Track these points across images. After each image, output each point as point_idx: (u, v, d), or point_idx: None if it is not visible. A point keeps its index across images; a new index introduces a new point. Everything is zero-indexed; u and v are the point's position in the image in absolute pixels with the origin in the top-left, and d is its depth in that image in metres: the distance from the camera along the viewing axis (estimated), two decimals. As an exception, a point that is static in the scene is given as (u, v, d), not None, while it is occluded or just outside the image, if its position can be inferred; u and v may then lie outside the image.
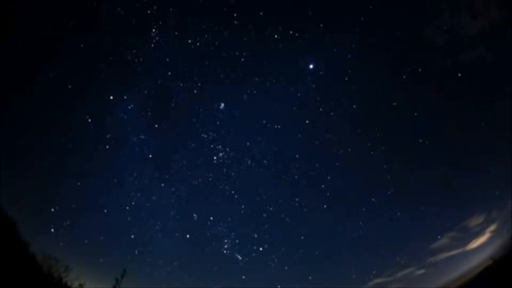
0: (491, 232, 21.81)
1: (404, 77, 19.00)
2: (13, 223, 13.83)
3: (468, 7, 17.66)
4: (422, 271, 23.62)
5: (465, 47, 18.69)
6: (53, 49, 17.10)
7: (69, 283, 14.35)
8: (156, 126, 19.93)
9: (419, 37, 18.73)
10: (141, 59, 17.87)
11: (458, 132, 20.99)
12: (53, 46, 17.00)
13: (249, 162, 20.78)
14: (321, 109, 19.49)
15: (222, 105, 19.47)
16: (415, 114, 20.09)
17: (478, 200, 22.08)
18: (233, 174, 20.92)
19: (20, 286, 10.82)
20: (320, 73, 18.84)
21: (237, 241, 21.74)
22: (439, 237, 22.79)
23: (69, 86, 17.79)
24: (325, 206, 21.97)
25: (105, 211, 20.51)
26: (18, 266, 11.75)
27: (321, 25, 17.22)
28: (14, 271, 11.25)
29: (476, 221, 22.27)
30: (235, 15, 16.67)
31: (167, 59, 18.10)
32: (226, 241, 21.73)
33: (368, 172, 22.06)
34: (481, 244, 22.55)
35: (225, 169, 20.75)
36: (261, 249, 21.85)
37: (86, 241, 20.24)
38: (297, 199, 22.04)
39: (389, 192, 21.65)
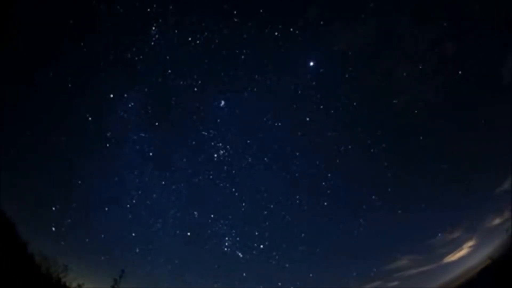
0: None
1: (404, 74, 19.11)
2: (12, 223, 13.78)
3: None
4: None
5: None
6: (53, 49, 17.12)
7: (67, 283, 14.28)
8: (156, 124, 19.94)
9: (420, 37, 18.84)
10: (141, 57, 17.89)
11: (459, 131, 21.14)
12: (53, 45, 17.02)
13: (249, 160, 20.85)
14: (321, 107, 19.52)
15: (223, 103, 19.49)
16: (416, 111, 20.16)
17: (479, 199, 22.20)
18: (233, 171, 21.03)
19: (18, 286, 10.76)
20: (321, 70, 18.86)
21: (237, 238, 21.86)
22: (439, 235, 22.93)
23: (69, 85, 17.82)
24: (325, 204, 22.08)
25: (106, 209, 20.58)
26: (17, 266, 11.69)
27: (321, 23, 17.27)
28: (13, 271, 11.19)
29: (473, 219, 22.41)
30: (235, 12, 16.72)
31: (167, 57, 18.12)
32: (226, 238, 21.85)
33: (368, 170, 22.13)
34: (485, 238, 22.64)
35: (225, 167, 20.82)
36: (261, 246, 21.99)
37: (87, 239, 20.37)
38: (297, 197, 22.17)
39: (389, 190, 21.77)
